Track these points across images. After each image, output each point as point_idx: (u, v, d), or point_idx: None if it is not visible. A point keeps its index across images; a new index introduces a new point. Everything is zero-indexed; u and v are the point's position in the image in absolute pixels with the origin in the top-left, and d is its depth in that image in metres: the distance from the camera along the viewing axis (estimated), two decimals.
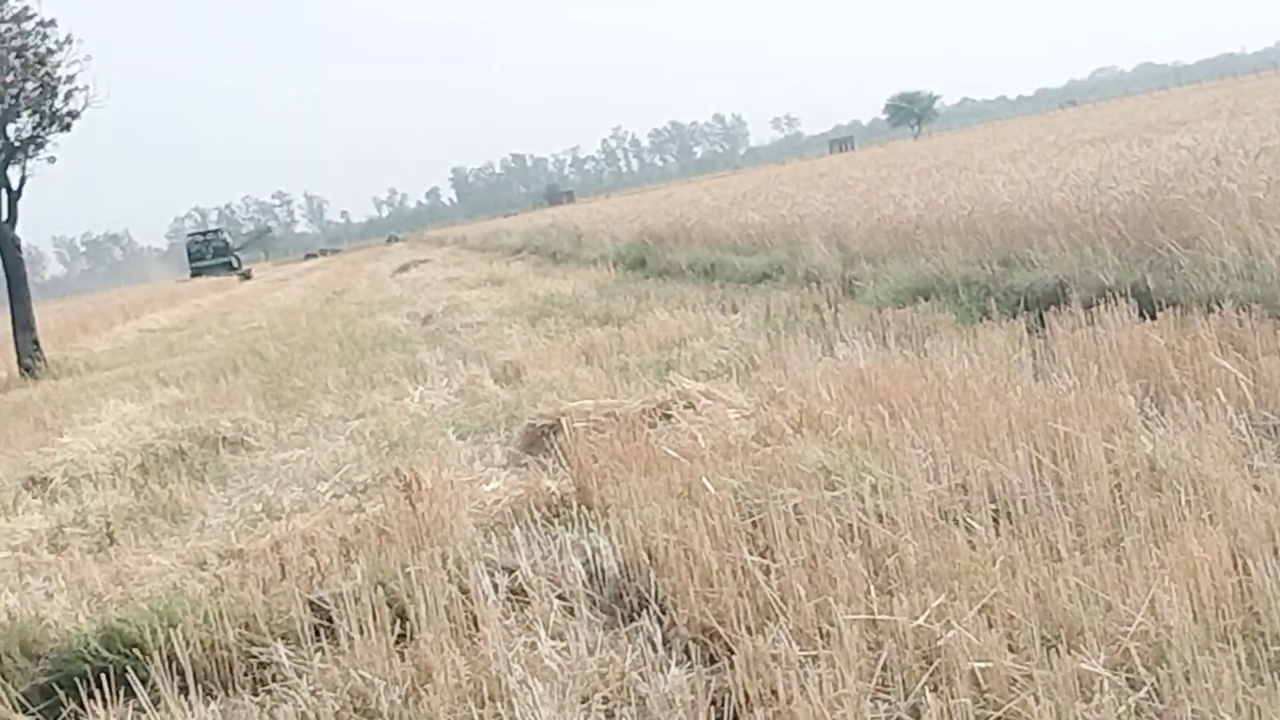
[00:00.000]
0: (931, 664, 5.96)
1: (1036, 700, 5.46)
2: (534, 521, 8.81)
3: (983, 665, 5.79)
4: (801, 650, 6.18)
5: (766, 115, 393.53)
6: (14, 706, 7.50)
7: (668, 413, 11.82)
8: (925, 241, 19.22)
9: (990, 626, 6.07)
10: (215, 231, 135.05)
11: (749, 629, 6.47)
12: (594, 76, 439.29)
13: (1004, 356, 11.77)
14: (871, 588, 6.65)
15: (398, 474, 10.96)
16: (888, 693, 5.88)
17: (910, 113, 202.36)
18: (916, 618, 6.20)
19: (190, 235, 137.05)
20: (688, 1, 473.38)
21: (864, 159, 76.58)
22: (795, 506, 7.75)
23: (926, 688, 5.77)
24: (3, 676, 7.71)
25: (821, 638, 6.28)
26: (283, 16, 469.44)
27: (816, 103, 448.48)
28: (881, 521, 7.43)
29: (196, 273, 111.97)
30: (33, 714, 7.48)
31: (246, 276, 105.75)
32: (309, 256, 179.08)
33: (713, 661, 6.53)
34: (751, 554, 7.25)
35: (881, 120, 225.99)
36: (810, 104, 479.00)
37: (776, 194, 39.81)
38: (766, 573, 6.99)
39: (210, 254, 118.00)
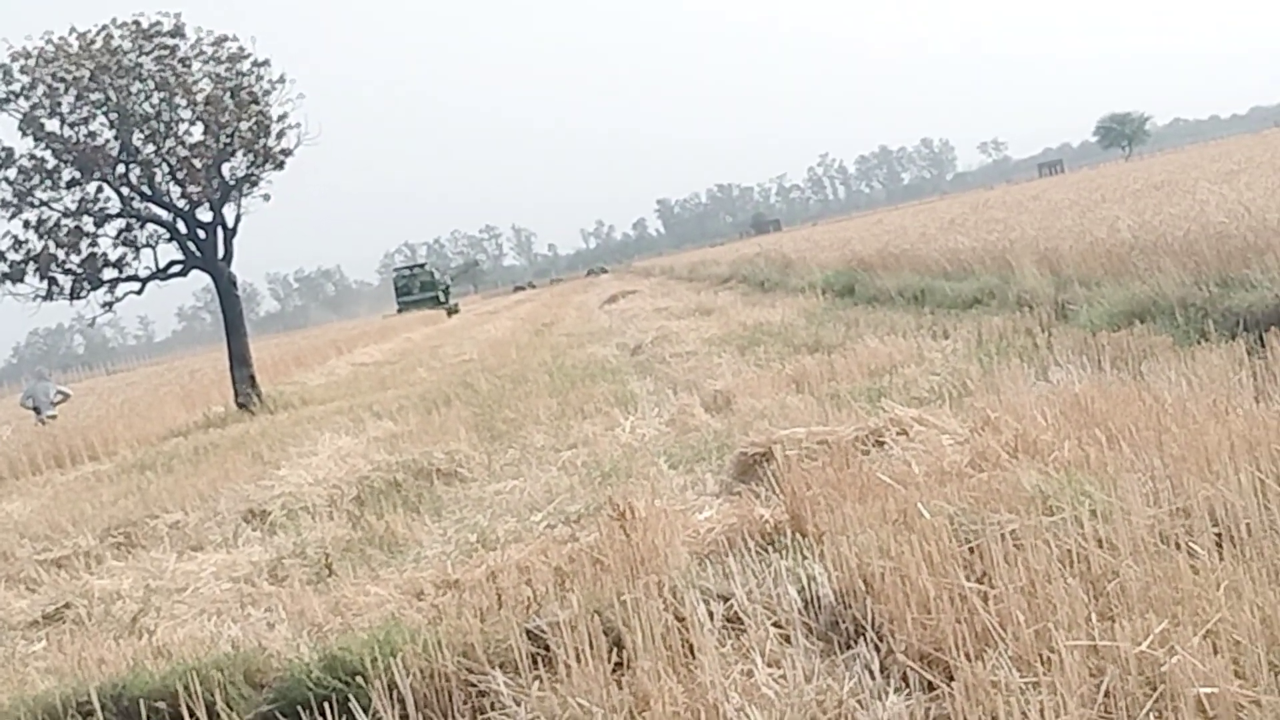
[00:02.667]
0: (1156, 690, 5.85)
1: None
2: (748, 549, 8.79)
3: (1209, 691, 5.67)
4: (1022, 677, 6.10)
5: (974, 139, 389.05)
6: None
7: (880, 439, 11.76)
8: (1140, 264, 18.92)
9: (1215, 652, 5.95)
10: (421, 265, 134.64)
11: (968, 656, 6.41)
12: (799, 105, 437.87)
13: (1224, 378, 11.55)
14: (1092, 613, 6.54)
15: (611, 503, 11.00)
16: None
17: (1121, 134, 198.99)
18: (1139, 643, 6.10)
19: (397, 270, 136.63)
20: (893, 28, 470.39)
21: (1074, 181, 75.77)
22: (1013, 532, 7.65)
23: (1151, 714, 5.69)
24: (229, 705, 7.85)
25: (1042, 664, 6.19)
26: (487, 51, 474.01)
27: (1024, 126, 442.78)
28: (1101, 546, 7.30)
29: (403, 307, 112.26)
30: None
31: (453, 311, 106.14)
32: (518, 289, 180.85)
33: (931, 689, 6.47)
34: (969, 580, 7.18)
35: (1091, 143, 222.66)
36: (1018, 127, 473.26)
37: (986, 219, 39.59)
38: (984, 599, 6.91)
39: (417, 288, 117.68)
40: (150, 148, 33.92)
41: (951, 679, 6.28)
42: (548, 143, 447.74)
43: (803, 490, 9.89)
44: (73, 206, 33.61)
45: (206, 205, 34.75)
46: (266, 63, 35.19)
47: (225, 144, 34.50)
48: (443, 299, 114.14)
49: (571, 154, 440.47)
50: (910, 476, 9.97)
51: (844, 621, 7.50)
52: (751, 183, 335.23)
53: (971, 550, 7.69)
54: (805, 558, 8.46)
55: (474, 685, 7.60)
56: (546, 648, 7.64)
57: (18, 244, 33.21)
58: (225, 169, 34.80)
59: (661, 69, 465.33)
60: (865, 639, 7.08)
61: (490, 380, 27.86)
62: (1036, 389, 13.03)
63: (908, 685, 6.55)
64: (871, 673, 6.72)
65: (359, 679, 7.64)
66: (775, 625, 7.54)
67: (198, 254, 34.99)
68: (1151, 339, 14.83)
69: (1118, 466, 8.77)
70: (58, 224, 33.41)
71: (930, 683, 6.52)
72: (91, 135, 33.48)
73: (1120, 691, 5.89)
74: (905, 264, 31.93)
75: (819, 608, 7.72)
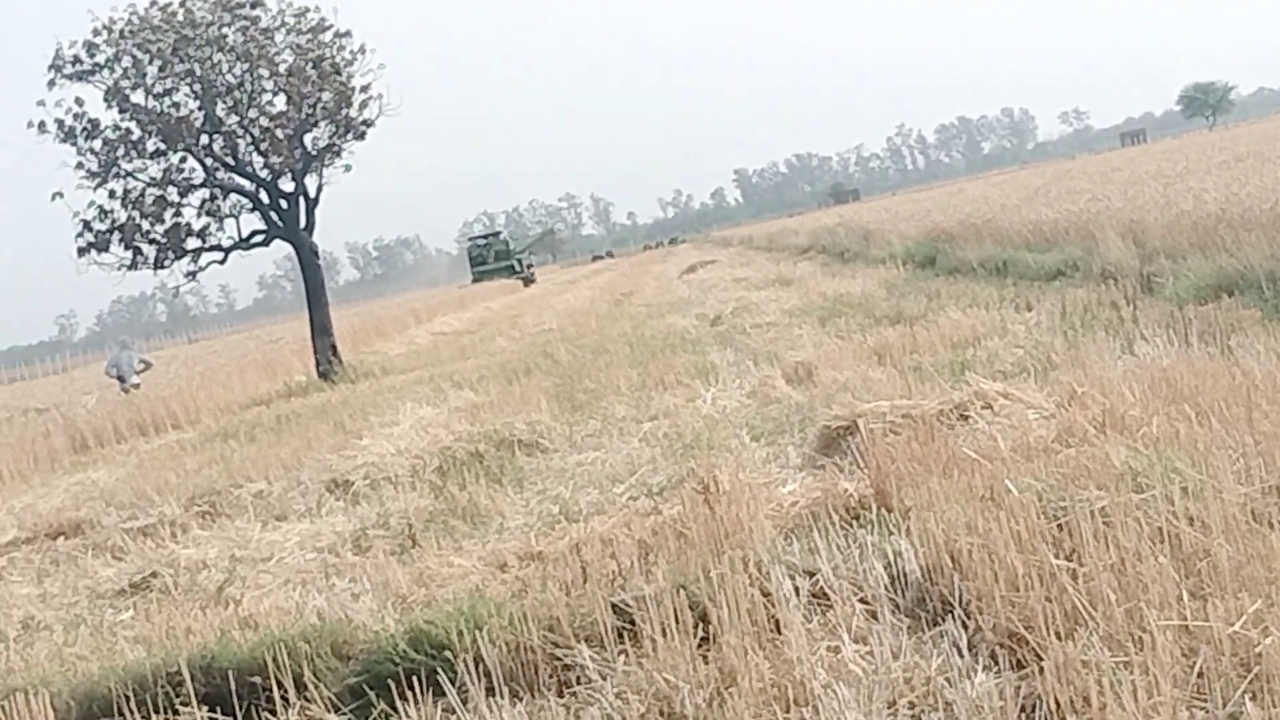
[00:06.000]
0: (1250, 671, 5.79)
1: None
2: (833, 524, 8.76)
3: None
4: (1113, 656, 6.05)
5: (1054, 109, 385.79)
6: (327, 706, 7.68)
7: (965, 413, 11.71)
8: (1226, 236, 18.73)
9: None
10: (496, 234, 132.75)
11: (1057, 634, 6.36)
12: (878, 73, 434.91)
13: None
14: (1184, 593, 6.48)
15: (694, 476, 10.99)
16: (1204, 700, 5.73)
17: (1205, 104, 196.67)
18: (1232, 624, 6.04)
19: (471, 239, 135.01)
20: None
21: (1157, 152, 75.14)
22: (1102, 509, 7.58)
23: (1246, 696, 5.62)
24: (316, 677, 7.88)
25: (1133, 644, 6.14)
26: (564, 19, 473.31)
27: (1106, 95, 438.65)
28: (1192, 524, 7.24)
29: (478, 277, 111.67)
30: (345, 714, 7.65)
31: (529, 281, 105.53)
32: (596, 258, 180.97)
33: (1020, 667, 6.43)
34: (1058, 558, 7.11)
35: (1175, 112, 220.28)
36: (1099, 97, 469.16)
37: (1068, 189, 39.33)
38: (1074, 577, 6.85)
39: (491, 257, 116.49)
40: (233, 118, 34.17)
41: (1041, 658, 6.23)
42: (627, 112, 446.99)
43: (887, 464, 9.85)
44: (157, 176, 33.92)
45: (289, 175, 34.99)
46: (348, 33, 35.41)
47: (307, 114, 34.69)
48: (518, 268, 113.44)
49: (650, 123, 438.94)
50: (996, 451, 9.91)
51: (931, 598, 7.46)
52: (830, 152, 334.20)
53: (1060, 527, 7.63)
54: (891, 533, 8.42)
55: (559, 659, 7.60)
56: (631, 622, 7.63)
57: (103, 214, 33.55)
58: (307, 139, 34.99)
59: (737, 37, 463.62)
60: (953, 616, 7.04)
61: (570, 350, 27.88)
62: (1123, 363, 12.95)
63: (996, 664, 6.51)
64: (959, 650, 6.68)
65: (445, 651, 7.66)
66: (861, 601, 7.51)
67: (280, 224, 35.23)
68: (1239, 313, 14.68)
69: (1208, 443, 8.68)
70: (143, 194, 33.71)
71: (1019, 661, 6.48)
72: (176, 106, 33.76)
73: (1214, 672, 5.83)
74: (987, 235, 31.73)
75: (905, 584, 7.68)
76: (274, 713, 7.70)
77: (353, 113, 35.12)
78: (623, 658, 7.38)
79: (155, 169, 33.90)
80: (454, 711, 7.14)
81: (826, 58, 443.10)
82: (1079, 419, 10.28)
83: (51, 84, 33.34)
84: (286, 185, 35.10)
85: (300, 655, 8.01)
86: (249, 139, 34.35)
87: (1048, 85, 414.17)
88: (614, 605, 7.91)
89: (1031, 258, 25.45)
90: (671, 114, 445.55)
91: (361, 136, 35.46)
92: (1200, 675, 5.83)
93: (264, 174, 34.78)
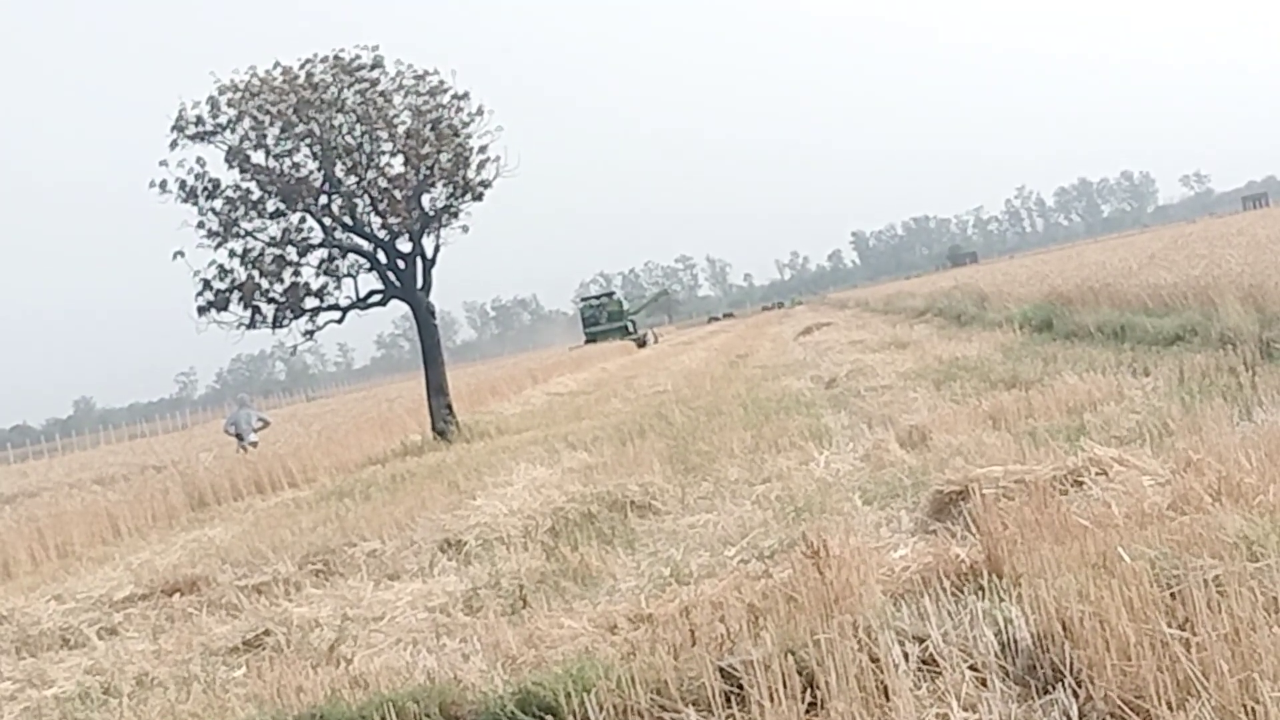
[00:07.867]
0: None
1: None
2: (943, 590, 8.70)
3: None
4: None
5: (1175, 172, 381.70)
6: None
7: (1079, 479, 11.63)
8: None
9: None
10: (609, 295, 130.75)
11: (1169, 705, 6.29)
12: (997, 135, 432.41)
13: None
14: None
15: (805, 540, 10.94)
16: None
17: None
18: None
19: (584, 300, 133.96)
20: (1092, 56, 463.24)
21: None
22: (1216, 578, 7.50)
23: None
24: None
25: (1247, 715, 6.06)
26: (685, 84, 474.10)
27: (1228, 159, 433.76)
28: None
29: (591, 338, 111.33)
30: None
31: (642, 343, 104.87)
32: (712, 319, 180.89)
33: None
34: (1170, 627, 7.04)
35: None
36: (1221, 160, 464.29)
37: (1188, 253, 38.94)
38: (1187, 646, 6.77)
39: (605, 318, 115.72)
40: (352, 179, 34.56)
41: None
42: (744, 173, 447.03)
43: (999, 530, 9.78)
44: (277, 236, 34.38)
45: (406, 236, 35.34)
46: (466, 95, 35.70)
47: (425, 176, 35.01)
48: (632, 329, 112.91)
49: (767, 185, 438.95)
50: (1109, 518, 9.83)
51: (1041, 666, 7.39)
52: (948, 214, 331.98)
53: (1173, 596, 7.54)
54: (1002, 600, 8.35)
55: None
56: (739, 686, 7.61)
57: (223, 273, 34.03)
58: (425, 200, 35.33)
59: (855, 100, 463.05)
60: (1064, 684, 6.98)
61: (684, 412, 27.91)
62: (1240, 430, 12.81)
63: None
64: (1070, 719, 6.62)
65: (552, 715, 7.66)
66: (971, 668, 7.45)
67: (397, 284, 35.55)
68: None
69: None
70: (262, 254, 34.19)
71: None
72: (295, 167, 34.24)
73: None
74: (1104, 299, 31.47)
75: (1016, 651, 7.61)
76: None
77: (470, 174, 35.44)
78: None
79: (274, 229, 34.45)
80: None
81: (945, 119, 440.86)
82: (1194, 486, 10.17)
83: (174, 144, 33.92)
84: (404, 246, 35.47)
85: (409, 715, 8.06)
86: (367, 200, 34.74)
87: (1169, 148, 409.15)
88: (722, 669, 7.88)
89: (1149, 322, 25.23)
90: (789, 175, 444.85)
91: (479, 198, 35.76)
92: None
93: (382, 234, 35.15)
